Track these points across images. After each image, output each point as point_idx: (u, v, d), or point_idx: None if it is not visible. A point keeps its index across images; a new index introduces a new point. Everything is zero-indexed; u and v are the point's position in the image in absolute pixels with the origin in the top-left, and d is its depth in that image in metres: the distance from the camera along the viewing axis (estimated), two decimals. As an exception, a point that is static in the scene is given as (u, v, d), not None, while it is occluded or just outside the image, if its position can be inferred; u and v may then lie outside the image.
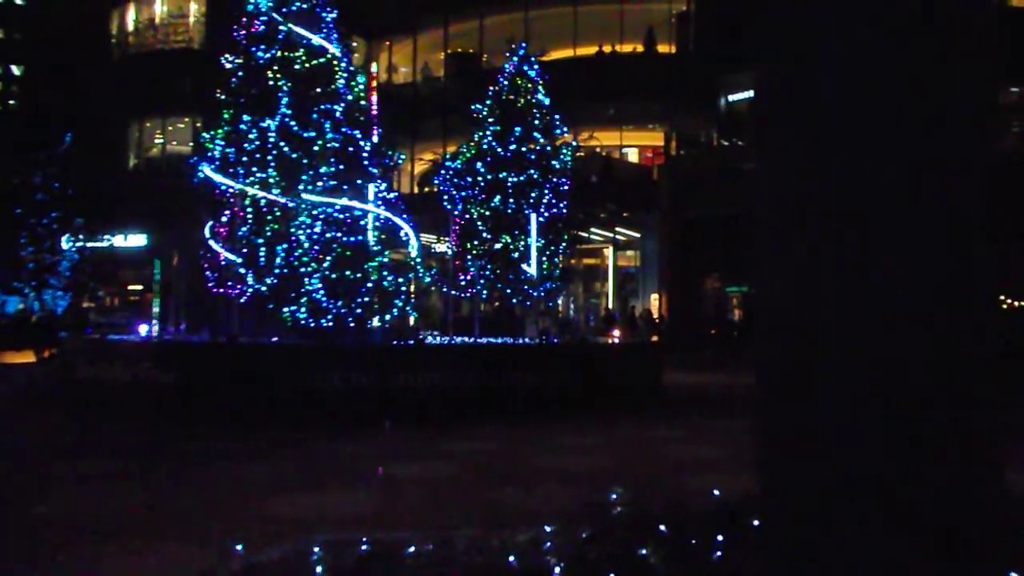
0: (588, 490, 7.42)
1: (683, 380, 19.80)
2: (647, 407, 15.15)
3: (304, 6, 18.78)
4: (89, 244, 36.83)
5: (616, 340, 22.22)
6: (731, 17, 31.13)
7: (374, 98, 18.53)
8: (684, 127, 35.60)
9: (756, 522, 3.98)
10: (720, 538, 4.21)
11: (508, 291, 19.99)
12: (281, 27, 18.46)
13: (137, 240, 39.61)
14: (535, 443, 11.48)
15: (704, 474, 8.84)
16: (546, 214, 19.77)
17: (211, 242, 17.86)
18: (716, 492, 5.92)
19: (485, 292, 19.97)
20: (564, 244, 20.40)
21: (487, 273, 19.64)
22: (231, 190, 17.72)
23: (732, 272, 31.24)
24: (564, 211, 20.18)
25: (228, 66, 18.57)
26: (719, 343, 30.22)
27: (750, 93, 31.69)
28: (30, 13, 65.65)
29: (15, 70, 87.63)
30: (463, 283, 19.63)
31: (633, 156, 39.49)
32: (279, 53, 18.44)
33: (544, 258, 19.79)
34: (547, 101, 20.39)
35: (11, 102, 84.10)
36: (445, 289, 20.36)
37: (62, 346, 18.87)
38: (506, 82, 20.40)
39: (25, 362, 26.58)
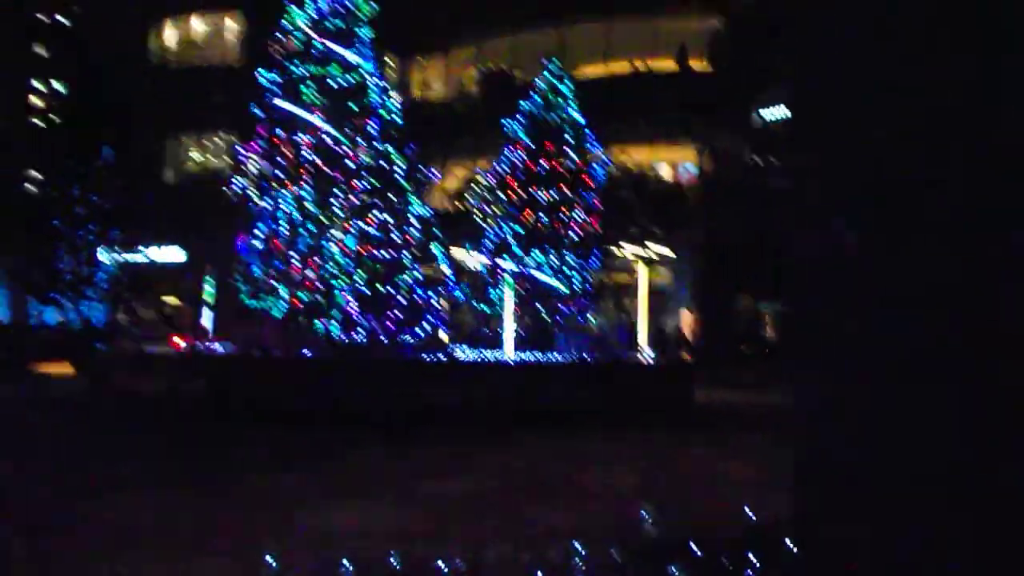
0: (619, 507, 7.36)
1: (715, 398, 19.62)
2: (679, 424, 15.03)
3: (339, 23, 19.04)
4: (126, 257, 37.33)
5: (647, 357, 22.06)
6: (765, 32, 31.03)
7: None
8: (717, 143, 35.43)
9: (791, 544, 3.92)
10: (753, 560, 4.15)
11: (539, 307, 19.96)
12: (316, 44, 18.71)
13: (173, 253, 40.11)
14: (567, 459, 11.43)
15: (736, 493, 8.73)
16: (578, 230, 19.75)
17: (245, 256, 18.05)
18: (748, 512, 5.85)
19: (517, 308, 19.95)
20: (595, 260, 20.35)
21: (519, 289, 19.63)
22: (265, 204, 17.93)
23: (765, 289, 30.95)
24: (596, 227, 20.14)
25: (264, 82, 18.84)
26: (751, 361, 29.92)
27: (784, 109, 31.52)
28: (74, 31, 67.10)
29: (58, 86, 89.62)
30: (495, 299, 19.64)
31: (665, 172, 39.35)
32: (314, 69, 18.69)
33: (576, 274, 19.76)
34: (580, 117, 20.41)
35: (53, 117, 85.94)
36: (477, 305, 20.41)
37: (99, 357, 19.15)
38: (539, 98, 20.45)
39: (63, 372, 26.99)
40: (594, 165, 20.22)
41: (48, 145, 50.77)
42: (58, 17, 54.85)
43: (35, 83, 78.80)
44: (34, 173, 51.33)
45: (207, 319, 19.15)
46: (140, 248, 38.72)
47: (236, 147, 23.38)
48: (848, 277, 2.70)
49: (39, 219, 37.41)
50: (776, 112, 32.49)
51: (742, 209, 30.06)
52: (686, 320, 33.22)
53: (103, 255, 35.82)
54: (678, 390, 16.84)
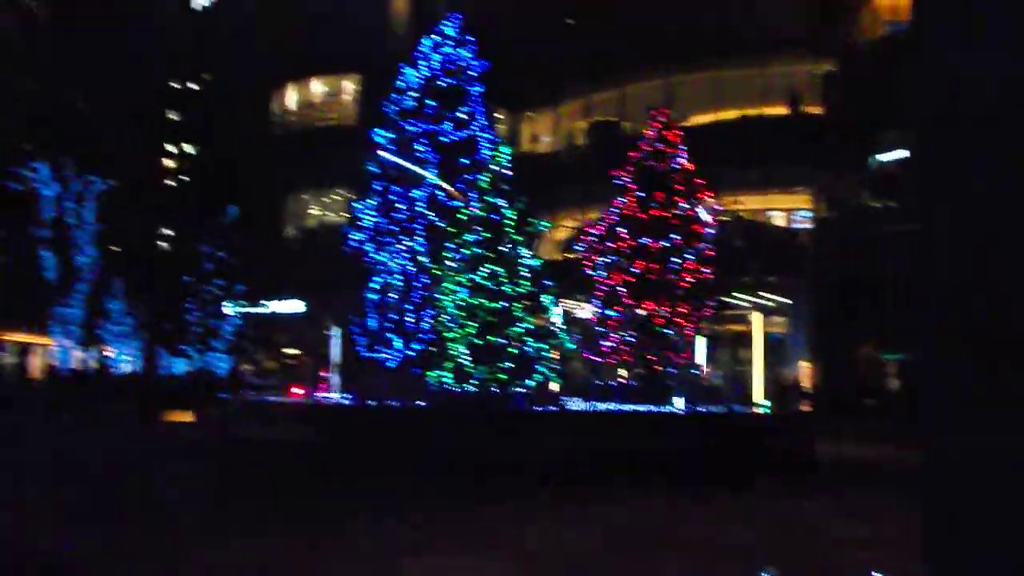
0: (738, 566, 7.11)
1: (836, 452, 18.82)
2: (798, 479, 14.46)
3: (450, 82, 19.60)
4: (249, 309, 38.90)
5: (764, 408, 21.41)
6: (880, 72, 30.25)
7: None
8: (832, 189, 34.52)
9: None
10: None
11: (651, 357, 19.69)
12: (428, 102, 19.30)
13: (293, 306, 41.55)
14: (680, 513, 11.14)
15: (861, 553, 8.33)
16: (689, 279, 19.46)
17: (362, 308, 18.56)
18: (875, 575, 5.55)
19: (628, 359, 19.74)
20: (708, 310, 19.97)
21: (630, 339, 19.43)
22: (381, 258, 18.44)
23: (889, 338, 29.70)
24: (708, 277, 19.80)
25: (380, 140, 19.51)
26: (875, 414, 28.64)
27: (902, 153, 30.50)
28: (202, 95, 71.26)
29: (189, 148, 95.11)
30: (606, 349, 19.50)
31: (780, 220, 38.54)
32: (427, 126, 19.26)
33: (688, 324, 19.43)
34: (690, 166, 20.24)
35: (184, 178, 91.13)
36: (588, 355, 20.30)
37: (222, 406, 19.88)
38: (648, 148, 20.39)
39: (188, 420, 28.15)
40: (705, 213, 19.94)
41: (178, 204, 53.67)
42: (189, 84, 58.04)
43: (167, 146, 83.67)
44: (166, 231, 54.21)
45: (331, 370, 19.69)
46: (262, 301, 40.28)
47: (352, 203, 24.23)
48: (987, 322, 2.55)
49: (170, 274, 39.48)
50: (894, 154, 31.47)
51: (861, 255, 29.10)
52: (804, 370, 32.16)
53: (228, 308, 37.41)
54: (797, 442, 16.23)
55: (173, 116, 65.19)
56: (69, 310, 35.44)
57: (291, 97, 45.35)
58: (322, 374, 19.84)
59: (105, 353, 46.19)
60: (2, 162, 36.21)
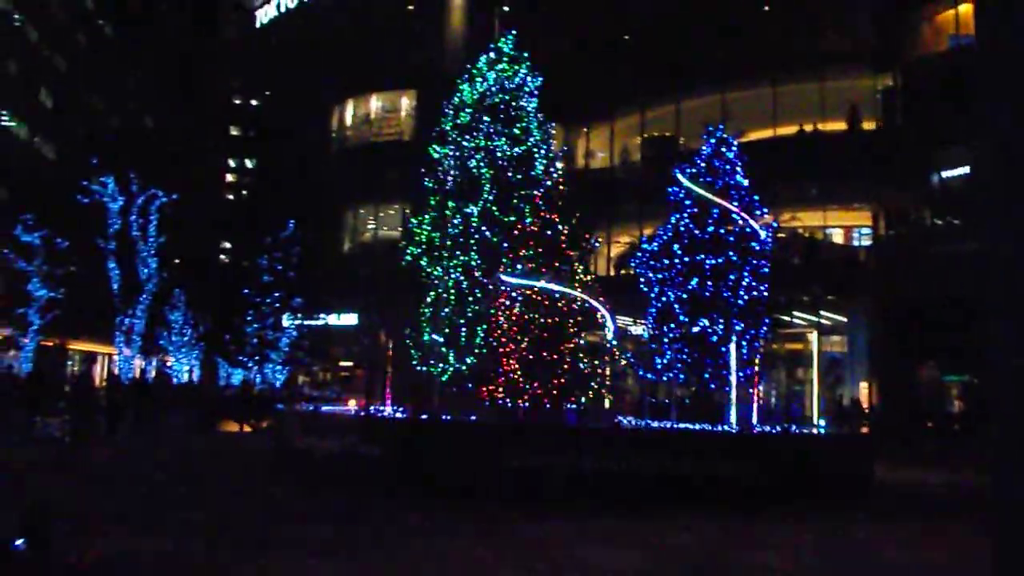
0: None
1: (896, 476, 18.40)
2: (856, 504, 14.16)
3: (506, 97, 19.71)
4: (306, 322, 39.47)
5: (822, 430, 21.05)
6: (943, 91, 29.66)
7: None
8: (893, 206, 33.88)
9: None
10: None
11: (706, 376, 19.47)
12: (484, 118, 19.43)
13: (349, 319, 42.05)
14: (735, 537, 10.98)
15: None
16: (745, 297, 19.21)
17: (416, 322, 18.69)
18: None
19: (682, 376, 19.55)
20: (765, 328, 19.69)
21: (684, 357, 19.25)
22: (435, 272, 18.57)
23: (952, 360, 28.98)
24: (765, 294, 19.53)
25: (436, 155, 19.69)
26: (936, 437, 27.93)
27: (966, 169, 29.82)
28: (263, 112, 72.73)
29: (248, 163, 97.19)
30: (659, 367, 19.34)
31: (838, 237, 37.94)
32: (483, 142, 19.37)
33: (744, 342, 19.17)
34: (745, 182, 20.02)
35: (244, 192, 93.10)
36: (641, 373, 20.16)
37: (278, 418, 20.14)
38: (703, 164, 20.24)
39: (244, 431, 28.60)
40: (762, 230, 19.69)
41: (238, 218, 54.69)
42: (250, 100, 59.32)
43: (229, 160, 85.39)
44: (226, 244, 55.36)
45: (379, 382, 19.86)
46: (319, 314, 40.83)
47: (408, 217, 24.48)
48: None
49: (229, 287, 40.28)
50: (958, 170, 30.78)
51: (923, 274, 28.48)
52: (864, 391, 31.53)
53: (285, 320, 37.99)
54: (856, 466, 15.89)
55: (235, 131, 66.37)
56: (132, 320, 36.34)
57: (349, 113, 46.05)
58: (376, 387, 20.01)
59: (166, 362, 47.23)
60: (71, 175, 37.32)
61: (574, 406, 16.26)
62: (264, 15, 43.21)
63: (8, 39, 51.35)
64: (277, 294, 37.55)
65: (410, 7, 37.85)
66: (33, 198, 39.24)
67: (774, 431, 17.16)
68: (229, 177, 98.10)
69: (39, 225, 35.94)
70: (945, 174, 31.32)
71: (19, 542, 5.88)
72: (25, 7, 53.19)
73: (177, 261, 42.53)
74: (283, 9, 41.75)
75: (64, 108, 58.95)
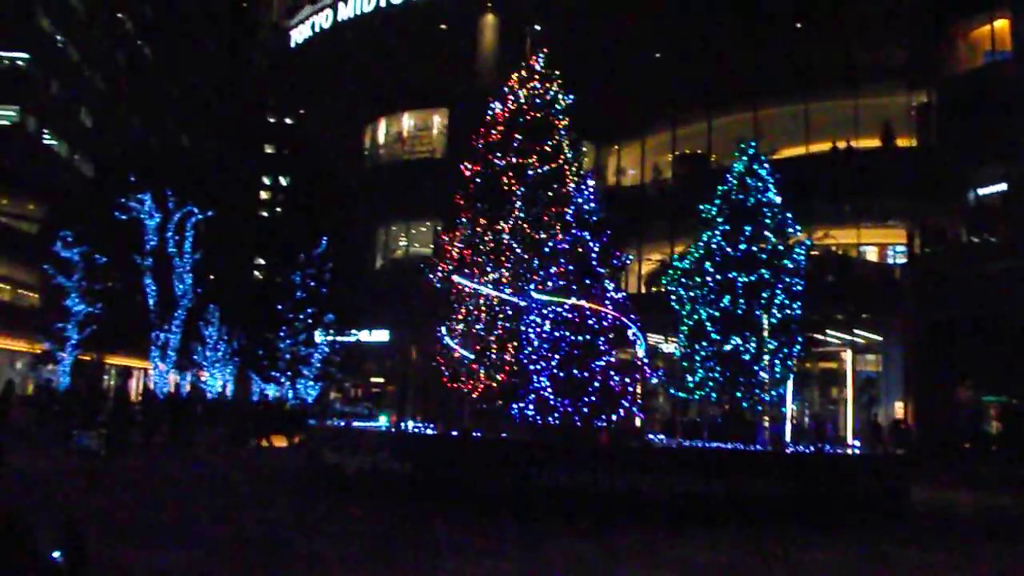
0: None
1: (933, 497, 18.09)
2: (892, 525, 13.94)
3: (537, 115, 19.81)
4: (338, 338, 39.72)
5: (857, 449, 20.77)
6: (979, 107, 29.32)
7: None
8: (928, 223, 33.49)
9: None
10: None
11: (738, 394, 19.32)
12: (516, 136, 19.53)
13: (380, 335, 42.27)
14: (769, 559, 10.85)
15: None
16: (778, 315, 19.06)
17: (447, 339, 18.76)
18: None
19: (714, 395, 19.41)
20: (798, 347, 19.50)
21: (716, 375, 19.11)
22: (466, 289, 18.65)
23: (990, 379, 28.49)
24: (798, 312, 19.36)
25: (467, 173, 19.81)
26: (974, 458, 27.45)
27: (1003, 186, 29.42)
28: (297, 130, 73.62)
29: (282, 180, 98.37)
30: (691, 385, 19.22)
31: (872, 255, 37.54)
32: (514, 160, 19.47)
33: (776, 361, 19.01)
34: (778, 200, 19.90)
35: (277, 209, 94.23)
36: (672, 391, 20.04)
37: (310, 433, 20.26)
38: (735, 181, 20.15)
39: (278, 446, 28.79)
40: (795, 248, 19.55)
41: (273, 235, 55.22)
42: (285, 119, 60.11)
43: (263, 178, 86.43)
44: (260, 261, 55.87)
45: (409, 399, 19.93)
46: (351, 330, 41.05)
47: (440, 234, 24.62)
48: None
49: (263, 302, 40.64)
50: (994, 187, 30.36)
51: (960, 292, 28.07)
52: (900, 411, 31.08)
53: (317, 336, 38.25)
54: (892, 487, 15.65)
55: (269, 149, 67.07)
56: (167, 335, 36.77)
57: (382, 131, 46.46)
58: (405, 403, 20.09)
59: (200, 377, 47.70)
60: (109, 193, 37.95)
61: (605, 424, 16.19)
62: (299, 35, 43.74)
63: (51, 60, 52.51)
64: (310, 310, 37.84)
65: (442, 26, 38.14)
66: (72, 215, 39.96)
67: (808, 451, 16.97)
68: (263, 194, 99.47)
69: (78, 241, 36.59)
70: (981, 191, 30.90)
71: (56, 554, 5.97)
72: (67, 28, 54.40)
73: (212, 277, 43.00)
74: (317, 29, 42.24)
75: (103, 127, 60.13)
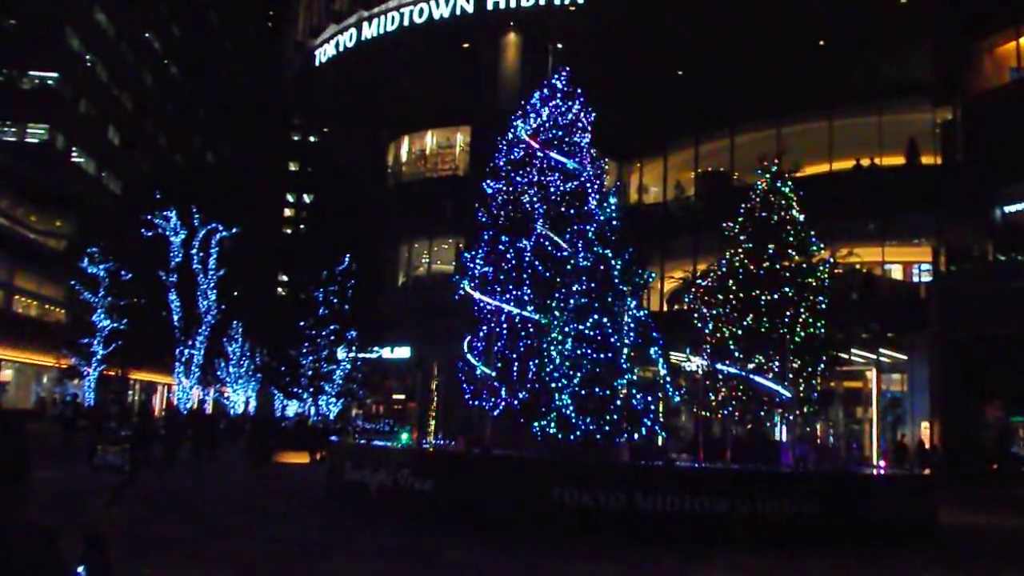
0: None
1: (961, 520, 17.82)
2: (919, 548, 13.74)
3: (559, 133, 19.83)
4: (360, 355, 39.83)
5: (882, 470, 20.52)
6: (1005, 124, 29.08)
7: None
8: (954, 241, 33.16)
9: None
10: None
11: (762, 414, 19.16)
12: (538, 153, 19.56)
13: (402, 352, 42.35)
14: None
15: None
16: (802, 334, 18.90)
17: (468, 356, 18.75)
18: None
19: (737, 414, 19.25)
20: (822, 366, 19.31)
21: (739, 394, 18.97)
22: (488, 307, 18.65)
23: (1018, 400, 28.09)
24: (822, 331, 19.18)
25: (489, 191, 19.85)
26: (1004, 479, 27.02)
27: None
28: (321, 148, 74.25)
29: (306, 198, 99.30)
30: (714, 403, 19.09)
31: (897, 273, 37.22)
32: (536, 177, 19.49)
33: (801, 380, 18.84)
34: (802, 217, 19.78)
35: (301, 226, 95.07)
36: (695, 410, 19.90)
37: (332, 450, 20.29)
38: (758, 199, 20.05)
39: (300, 463, 28.85)
40: (819, 266, 19.41)
41: (296, 252, 55.63)
42: (310, 137, 60.69)
43: (287, 195, 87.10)
44: (283, 277, 56.21)
45: (431, 416, 19.93)
46: (373, 347, 41.15)
47: (462, 252, 24.65)
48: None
49: (287, 320, 40.87)
50: (1021, 205, 30.02)
51: (986, 310, 27.74)
52: (926, 431, 30.69)
53: (340, 353, 38.38)
54: (919, 509, 15.44)
55: (293, 167, 67.60)
56: (191, 351, 37.07)
57: (405, 148, 46.71)
58: (426, 420, 20.09)
59: (223, 393, 47.99)
60: (136, 210, 38.43)
61: (626, 442, 16.10)
62: (323, 54, 44.16)
63: (80, 79, 53.35)
64: (332, 327, 38.00)
65: (465, 45, 38.39)
66: (99, 231, 40.48)
67: (832, 471, 16.78)
68: (287, 211, 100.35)
69: (104, 258, 37.02)
70: (1007, 208, 30.57)
71: (80, 570, 6.02)
72: (96, 48, 55.28)
73: (236, 293, 43.33)
74: (341, 48, 42.62)
75: (131, 144, 60.94)
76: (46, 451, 24.26)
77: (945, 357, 29.43)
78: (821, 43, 33.73)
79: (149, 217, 36.03)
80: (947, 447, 28.71)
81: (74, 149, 53.35)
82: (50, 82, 50.47)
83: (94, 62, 55.44)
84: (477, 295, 18.83)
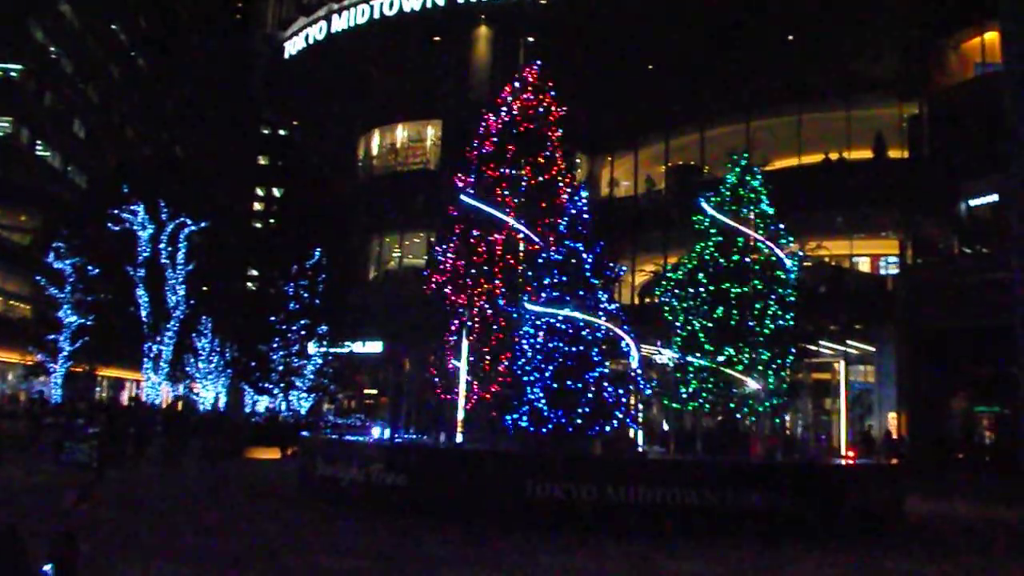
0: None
1: (927, 508, 18.11)
2: (887, 537, 13.94)
3: (531, 126, 19.86)
4: (332, 350, 39.62)
5: (849, 460, 20.76)
6: (971, 119, 29.50)
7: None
8: (920, 235, 33.65)
9: None
10: None
11: (731, 406, 19.33)
12: (510, 147, 19.58)
13: (373, 346, 42.20)
14: (762, 570, 10.85)
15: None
16: (771, 326, 19.10)
17: (440, 349, 18.75)
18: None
19: (707, 406, 19.41)
20: (791, 357, 19.53)
21: (709, 386, 19.12)
22: (459, 300, 18.65)
23: (982, 390, 28.56)
24: (791, 323, 19.40)
25: (461, 184, 19.83)
26: (968, 468, 27.48)
27: (994, 197, 29.55)
28: (291, 141, 73.69)
29: (276, 192, 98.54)
30: (685, 396, 19.23)
31: (865, 266, 37.67)
32: (507, 171, 19.51)
33: (770, 372, 19.03)
34: (771, 210, 19.97)
35: (271, 221, 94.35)
36: (666, 402, 20.04)
37: (303, 445, 20.17)
38: (728, 193, 20.21)
39: (271, 458, 28.67)
40: (787, 259, 19.61)
41: (265, 246, 55.20)
42: (280, 130, 60.22)
43: (256, 189, 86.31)
44: (253, 272, 55.75)
45: (402, 410, 19.89)
46: (344, 342, 40.94)
47: (433, 245, 24.64)
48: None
49: (256, 314, 40.56)
50: (986, 198, 30.48)
51: (952, 303, 28.16)
52: (892, 422, 31.12)
53: (311, 348, 38.15)
54: (886, 498, 15.66)
55: (263, 161, 66.99)
56: (159, 347, 36.69)
57: (375, 142, 46.50)
58: (398, 414, 20.05)
59: (192, 389, 47.57)
60: (102, 204, 37.93)
61: (598, 435, 16.17)
62: (293, 46, 43.83)
63: (45, 71, 52.49)
64: (303, 321, 37.76)
65: (436, 38, 38.26)
66: (65, 226, 39.91)
67: (801, 461, 16.97)
68: (257, 205, 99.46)
69: (71, 253, 36.50)
70: (973, 202, 31.04)
71: (47, 568, 5.94)
72: (61, 40, 54.40)
73: (205, 288, 42.93)
74: (311, 41, 42.33)
75: (97, 138, 60.09)
76: (12, 448, 23.89)
77: (911, 349, 29.85)
78: (790, 38, 34.02)
79: (116, 211, 35.58)
80: (913, 437, 29.15)
81: (39, 142, 52.51)
82: (13, 74, 49.57)
83: (59, 54, 54.56)
84: (448, 289, 18.82)
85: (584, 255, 16.54)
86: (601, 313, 16.43)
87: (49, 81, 53.38)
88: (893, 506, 15.61)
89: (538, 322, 16.19)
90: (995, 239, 29.13)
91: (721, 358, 18.96)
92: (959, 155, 29.93)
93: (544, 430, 15.64)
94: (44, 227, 45.93)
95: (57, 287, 36.56)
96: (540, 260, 17.26)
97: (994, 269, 27.10)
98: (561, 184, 19.70)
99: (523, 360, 16.17)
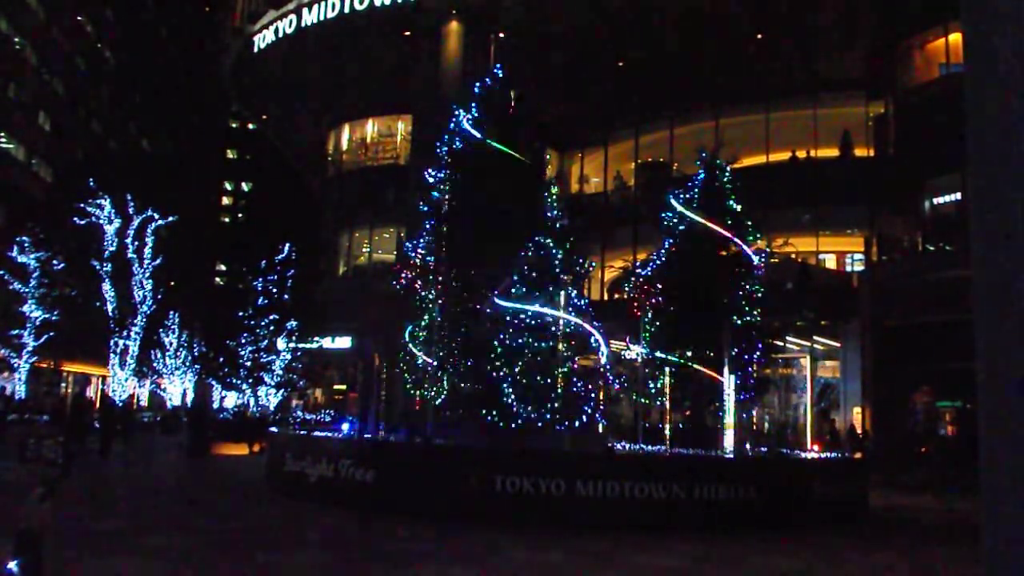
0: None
1: (890, 501, 18.43)
2: (852, 529, 14.18)
3: (501, 123, 19.86)
4: (301, 345, 39.43)
5: (815, 454, 21.05)
6: (934, 119, 29.93)
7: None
8: (885, 232, 34.11)
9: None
10: None
11: (699, 400, 19.52)
12: (480, 143, 19.56)
13: (343, 342, 42.03)
14: (728, 565, 10.99)
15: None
16: (739, 321, 19.29)
17: (410, 346, 18.72)
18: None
19: (676, 401, 19.57)
20: (758, 353, 19.74)
21: (678, 381, 19.27)
22: (429, 296, 18.63)
23: (945, 385, 29.04)
24: (758, 319, 19.61)
25: (431, 180, 19.79)
26: (930, 462, 27.93)
27: (957, 196, 30.03)
28: (259, 136, 73.04)
29: (244, 186, 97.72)
30: (653, 391, 19.37)
31: (831, 263, 38.13)
32: (477, 166, 19.49)
33: (738, 367, 19.21)
34: (738, 207, 20.15)
35: (239, 215, 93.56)
36: (635, 397, 20.18)
37: (271, 441, 20.08)
38: (697, 189, 20.37)
39: (239, 454, 28.52)
40: (755, 256, 19.81)
41: (234, 240, 54.69)
42: (249, 124, 59.62)
43: (225, 183, 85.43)
44: (221, 267, 55.19)
45: (372, 406, 19.85)
46: (314, 337, 40.74)
47: (403, 241, 24.56)
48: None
49: (224, 309, 40.25)
50: (949, 197, 30.95)
51: (916, 300, 28.60)
52: (857, 417, 31.55)
53: (280, 343, 37.92)
54: (850, 491, 15.92)
55: (231, 155, 66.35)
56: (126, 342, 36.31)
57: (345, 137, 46.27)
58: (367, 410, 19.99)
59: (160, 385, 47.09)
60: (68, 198, 37.44)
61: (567, 430, 16.26)
62: (262, 40, 43.42)
63: (8, 63, 51.62)
64: (272, 316, 37.55)
65: (406, 33, 38.11)
66: (30, 220, 39.34)
67: (767, 456, 17.17)
68: (225, 200, 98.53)
69: (35, 247, 36.01)
70: (937, 200, 31.52)
71: (11, 565, 5.91)
72: (26, 31, 53.52)
73: (172, 283, 42.50)
74: (280, 34, 41.97)
75: (62, 131, 59.18)
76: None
77: (876, 345, 30.27)
78: (759, 37, 34.31)
79: (82, 205, 35.15)
80: (877, 431, 29.57)
81: (3, 135, 51.63)
82: (-24, 65, 48.75)
83: (23, 45, 53.66)
84: (418, 284, 18.78)
85: (554, 251, 16.61)
86: (570, 309, 16.52)
87: (13, 73, 52.50)
88: (858, 499, 15.88)
89: (507, 318, 16.23)
90: (958, 237, 29.60)
91: (689, 353, 19.12)
92: (923, 153, 30.36)
93: (513, 425, 15.70)
94: (8, 221, 45.25)
95: (21, 282, 36.05)
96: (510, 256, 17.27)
97: (957, 266, 27.54)
98: (531, 180, 19.72)
99: (492, 356, 16.20)
